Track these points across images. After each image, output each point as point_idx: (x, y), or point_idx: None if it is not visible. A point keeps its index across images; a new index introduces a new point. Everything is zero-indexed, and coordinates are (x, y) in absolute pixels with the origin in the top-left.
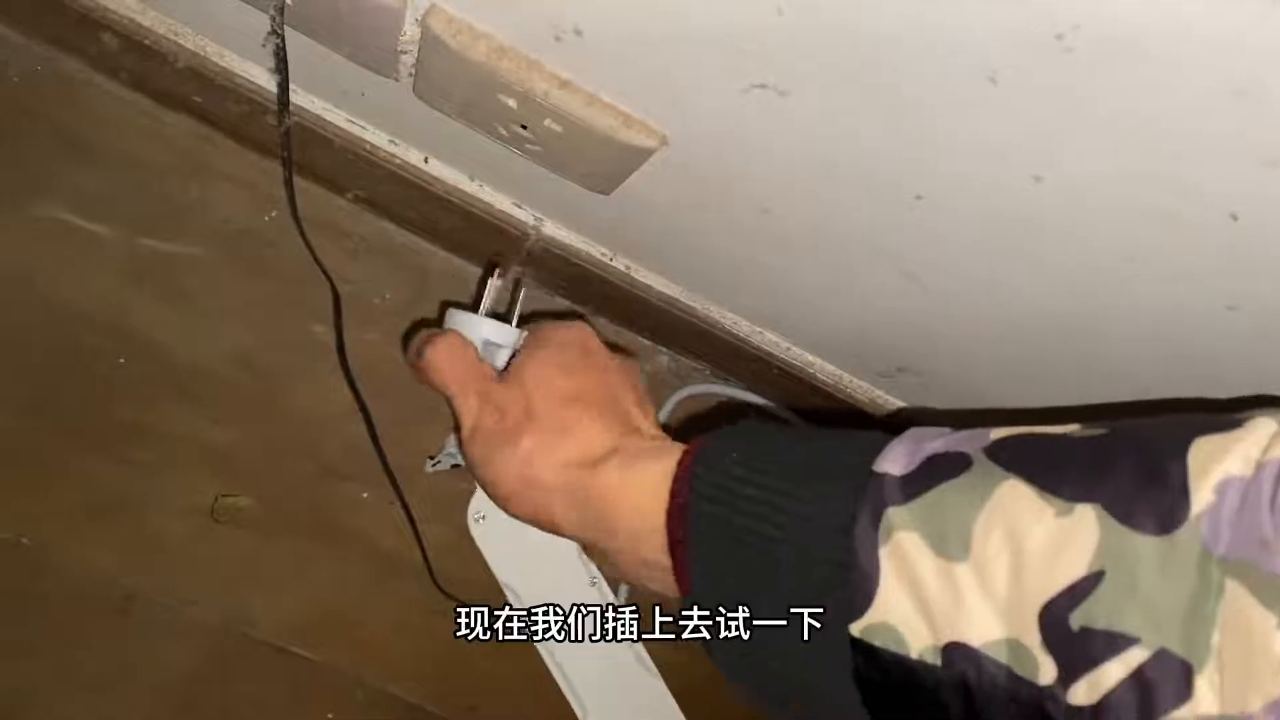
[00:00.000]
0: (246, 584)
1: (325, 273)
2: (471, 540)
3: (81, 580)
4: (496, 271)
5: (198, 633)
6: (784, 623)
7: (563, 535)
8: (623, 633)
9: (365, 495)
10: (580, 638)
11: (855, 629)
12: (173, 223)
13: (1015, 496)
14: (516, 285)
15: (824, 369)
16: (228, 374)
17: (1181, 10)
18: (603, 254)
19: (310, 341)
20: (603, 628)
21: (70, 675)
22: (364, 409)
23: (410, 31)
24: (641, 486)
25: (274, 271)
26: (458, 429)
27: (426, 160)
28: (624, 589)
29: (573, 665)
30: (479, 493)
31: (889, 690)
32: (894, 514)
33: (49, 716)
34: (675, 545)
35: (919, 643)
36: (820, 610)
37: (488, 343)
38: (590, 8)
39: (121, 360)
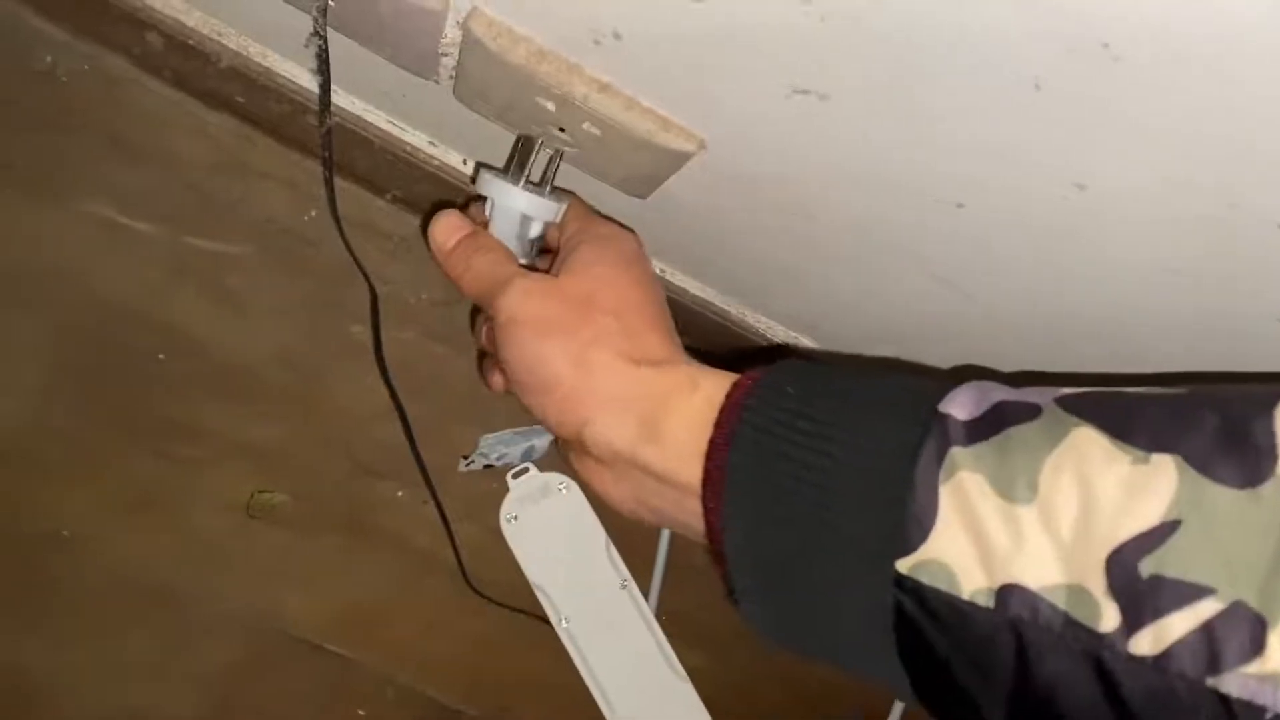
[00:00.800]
0: (281, 580)
1: (364, 273)
2: (503, 541)
3: (121, 573)
4: (539, 143)
5: (233, 627)
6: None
7: (597, 447)
8: (653, 637)
9: (400, 494)
10: (610, 641)
11: (904, 565)
12: (214, 221)
13: (1089, 442)
14: (554, 157)
15: None
16: (267, 371)
17: (1234, 19)
18: None
19: (348, 341)
20: (632, 631)
21: (109, 666)
22: (400, 408)
23: (451, 34)
24: (700, 399)
25: (313, 271)
26: (486, 325)
27: (465, 161)
28: (655, 594)
29: (603, 668)
30: (512, 494)
31: (931, 635)
32: (958, 454)
33: (88, 705)
34: (713, 473)
35: (972, 583)
36: (866, 543)
37: (524, 216)
38: (629, 11)
39: (162, 356)
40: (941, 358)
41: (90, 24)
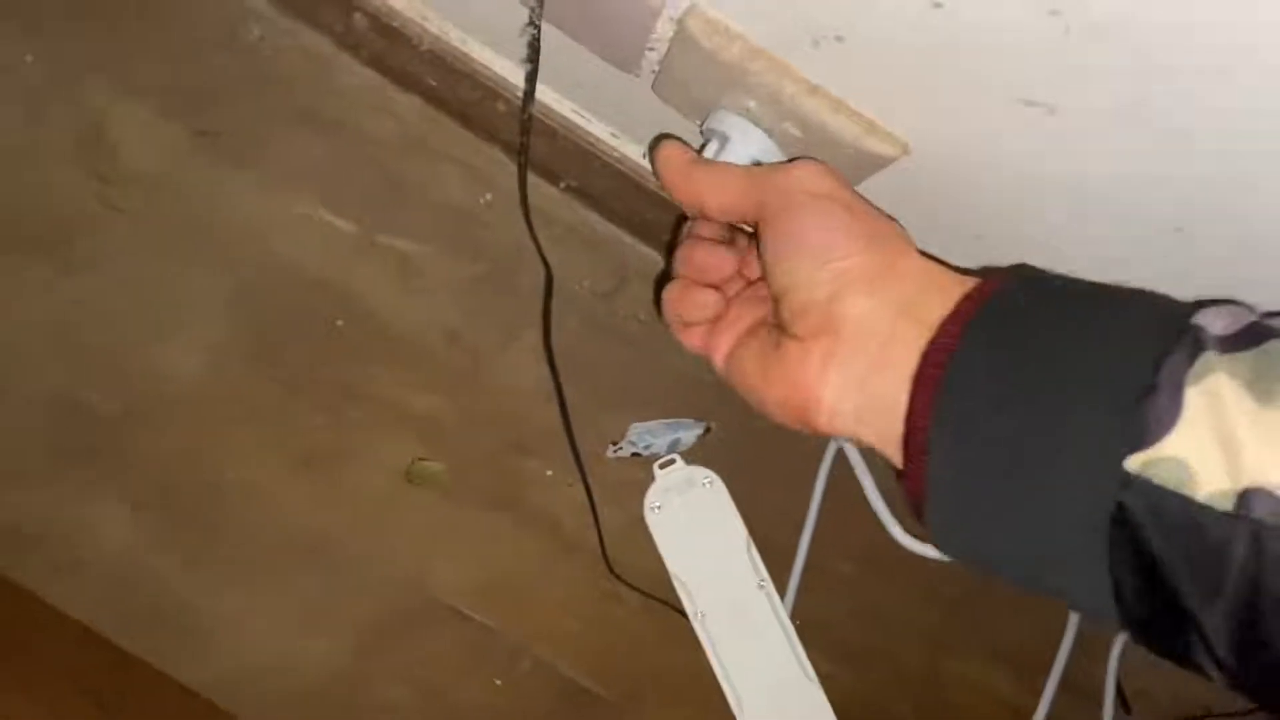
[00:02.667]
0: (432, 545)
1: (543, 257)
2: (645, 529)
3: (284, 524)
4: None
5: (384, 586)
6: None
7: (850, 323)
8: (786, 639)
9: (549, 473)
10: (743, 638)
11: (1135, 462)
12: (395, 196)
13: None
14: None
15: None
16: (435, 345)
17: None
18: None
19: (513, 322)
20: (766, 631)
21: (266, 611)
22: (559, 390)
23: (662, 29)
24: (956, 288)
25: (485, 253)
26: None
27: (644, 155)
28: (791, 598)
29: (734, 664)
30: (657, 483)
31: (1152, 539)
32: (1212, 358)
33: (245, 647)
34: (939, 344)
35: (1211, 485)
36: (1096, 435)
37: (755, 162)
38: (858, 15)
39: (339, 322)
40: None
41: (303, 2)
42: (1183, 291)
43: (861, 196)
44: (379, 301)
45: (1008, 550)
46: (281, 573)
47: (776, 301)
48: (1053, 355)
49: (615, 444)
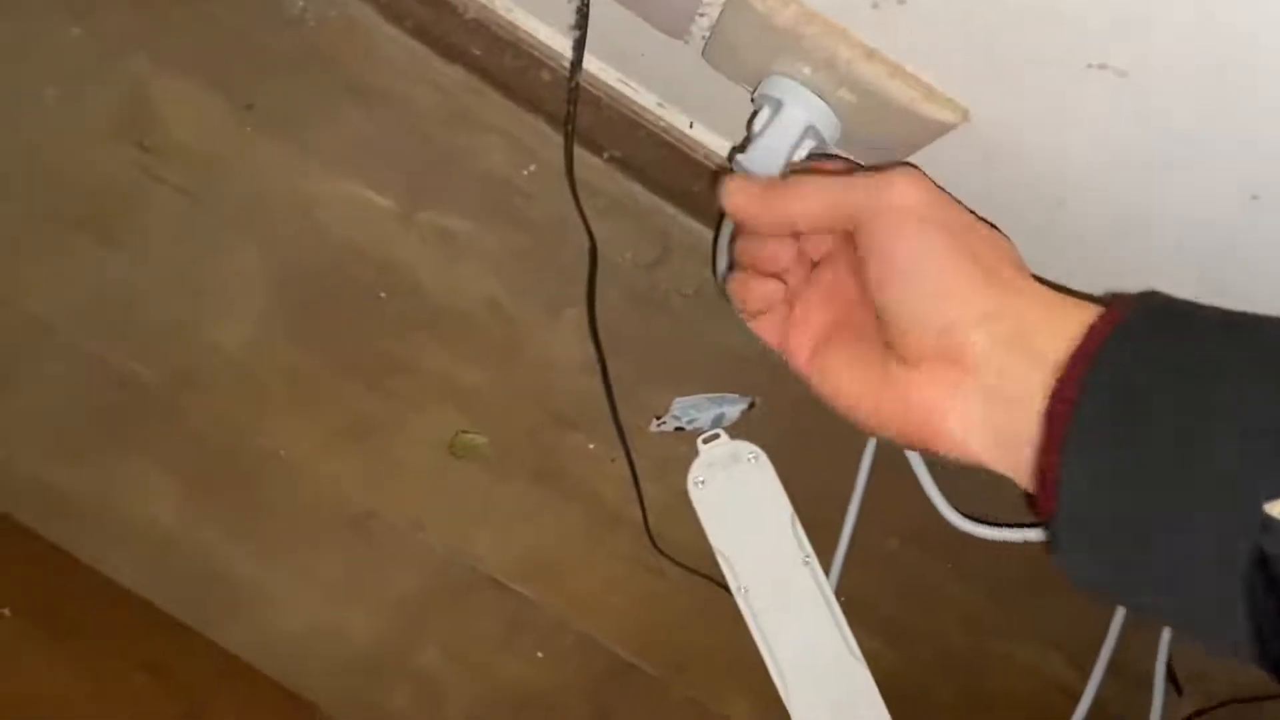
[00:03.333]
0: (475, 518)
1: (588, 229)
2: (688, 504)
3: (327, 495)
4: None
5: (427, 558)
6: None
7: (955, 350)
8: (831, 616)
9: (591, 447)
10: (787, 614)
11: (1276, 507)
12: (439, 169)
13: None
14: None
15: None
16: (478, 317)
17: None
18: None
19: (555, 294)
20: (811, 607)
21: (308, 581)
22: (602, 362)
23: None
24: (1073, 320)
25: (527, 224)
26: None
27: (691, 125)
28: (835, 574)
29: (779, 641)
30: (701, 458)
31: None
32: None
33: (287, 616)
34: (1068, 383)
35: None
36: (1235, 480)
37: (807, 129)
38: None
39: (382, 294)
40: None
41: None
42: (1257, 258)
43: (958, 205)
44: (422, 274)
45: (1142, 590)
46: (324, 543)
47: (884, 323)
48: (1185, 392)
49: (658, 418)
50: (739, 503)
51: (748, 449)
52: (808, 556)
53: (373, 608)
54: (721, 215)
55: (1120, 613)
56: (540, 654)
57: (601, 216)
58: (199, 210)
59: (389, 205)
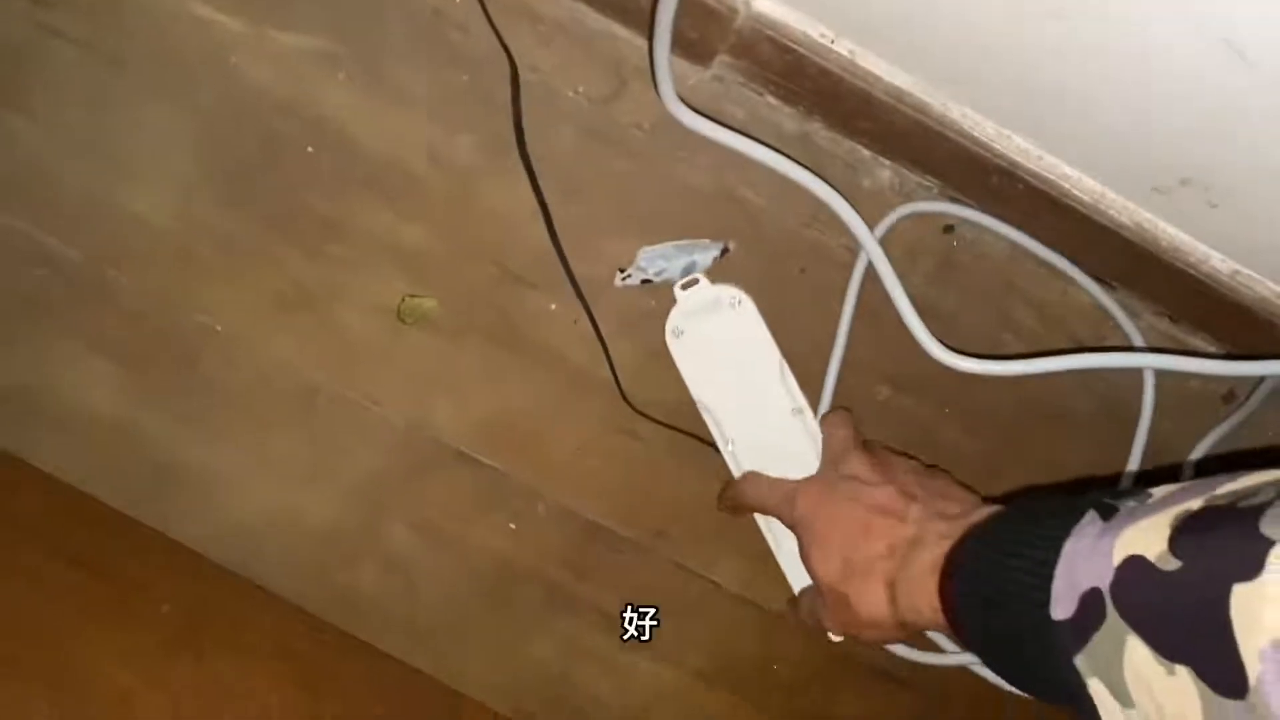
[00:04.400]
0: (432, 387)
1: (505, 48)
2: (661, 362)
3: (272, 371)
4: None
5: (383, 431)
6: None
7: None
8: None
9: (553, 307)
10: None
11: None
12: (358, 4)
13: (1138, 657)
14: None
15: (1081, 183)
16: (416, 167)
17: None
18: (823, 35)
19: (498, 136)
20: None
21: (263, 463)
22: (544, 208)
23: None
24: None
25: (464, 59)
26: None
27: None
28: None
29: None
30: (679, 306)
31: None
32: (1080, 662)
33: (245, 501)
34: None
35: None
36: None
37: None
38: None
39: (310, 149)
40: (1198, 157)
41: None
42: None
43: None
44: (351, 123)
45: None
46: (273, 423)
47: None
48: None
49: (623, 271)
50: (722, 352)
51: (730, 294)
52: (799, 407)
53: (331, 488)
54: None
55: (1138, 449)
56: (512, 525)
57: (545, 45)
58: (105, 66)
59: (309, 48)
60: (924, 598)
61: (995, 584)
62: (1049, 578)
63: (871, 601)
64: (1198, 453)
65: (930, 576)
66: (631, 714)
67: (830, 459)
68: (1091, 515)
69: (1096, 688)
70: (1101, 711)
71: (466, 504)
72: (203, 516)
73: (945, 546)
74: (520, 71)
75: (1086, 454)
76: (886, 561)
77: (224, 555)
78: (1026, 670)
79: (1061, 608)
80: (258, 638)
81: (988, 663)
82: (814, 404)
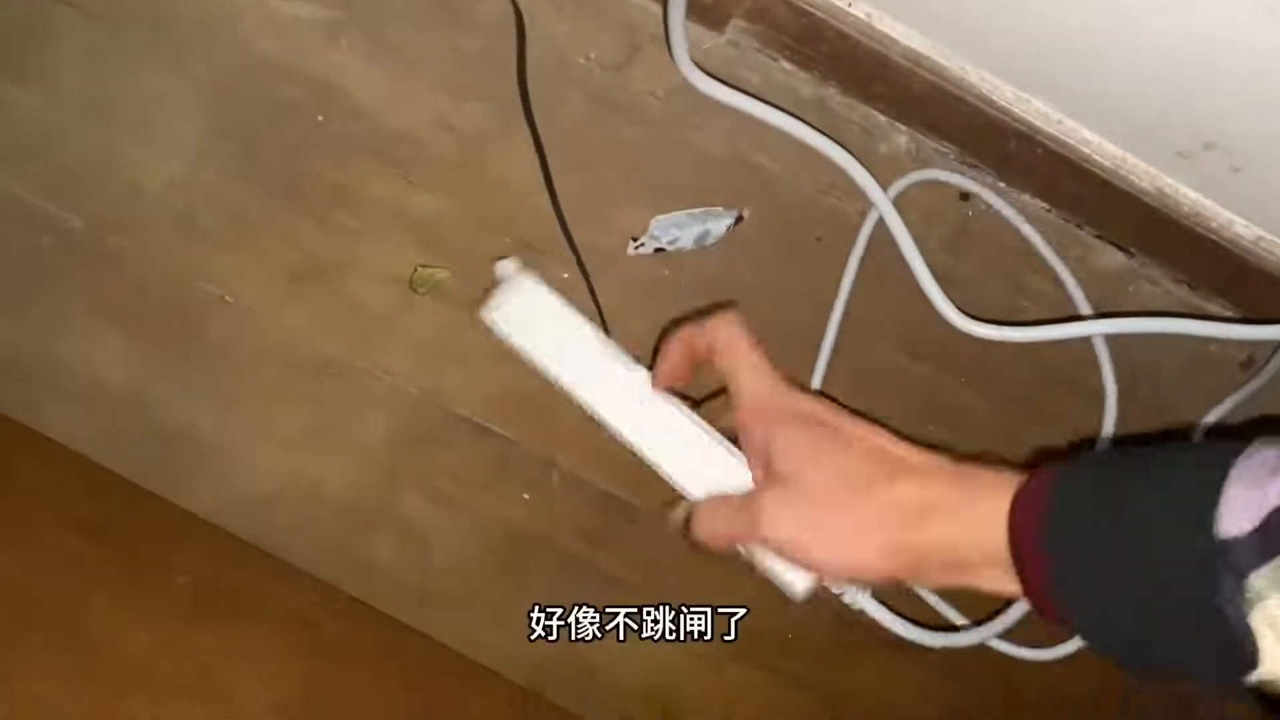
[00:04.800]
0: (444, 357)
1: (516, 7)
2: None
3: (284, 340)
4: None
5: (396, 402)
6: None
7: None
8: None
9: (565, 275)
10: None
11: (1249, 680)
12: None
13: None
14: None
15: (1102, 148)
16: (427, 136)
17: None
18: None
19: (509, 103)
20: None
21: (274, 432)
22: (546, 172)
23: None
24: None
25: (476, 24)
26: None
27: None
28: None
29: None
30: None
31: None
32: (1257, 582)
33: (256, 469)
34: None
35: None
36: (1213, 667)
37: None
38: None
39: (320, 118)
40: (1222, 121)
41: None
42: None
43: None
44: (361, 91)
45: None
46: (284, 393)
47: None
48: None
49: (636, 240)
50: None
51: (513, 274)
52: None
53: (344, 458)
54: None
55: (1151, 418)
56: (527, 495)
57: (559, 12)
58: (111, 34)
59: (318, 16)
60: (979, 547)
61: (1127, 509)
62: (1217, 491)
63: (863, 544)
64: (1212, 417)
65: (992, 521)
66: (640, 683)
67: (758, 387)
68: (1259, 444)
69: (1273, 610)
70: (1263, 642)
71: (480, 473)
72: (213, 486)
73: (1009, 487)
74: (530, 39)
75: (1103, 419)
76: (905, 513)
77: (236, 525)
78: (1145, 610)
79: (1233, 522)
80: (272, 607)
81: (1083, 609)
82: (812, 371)
